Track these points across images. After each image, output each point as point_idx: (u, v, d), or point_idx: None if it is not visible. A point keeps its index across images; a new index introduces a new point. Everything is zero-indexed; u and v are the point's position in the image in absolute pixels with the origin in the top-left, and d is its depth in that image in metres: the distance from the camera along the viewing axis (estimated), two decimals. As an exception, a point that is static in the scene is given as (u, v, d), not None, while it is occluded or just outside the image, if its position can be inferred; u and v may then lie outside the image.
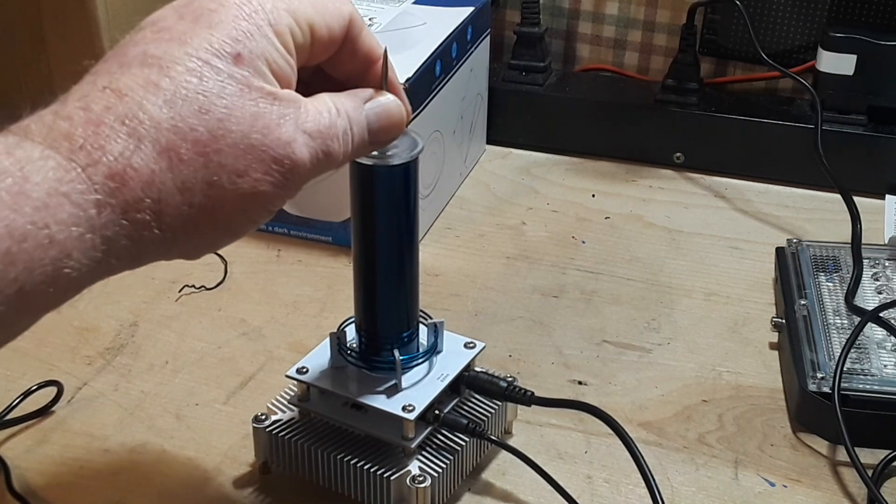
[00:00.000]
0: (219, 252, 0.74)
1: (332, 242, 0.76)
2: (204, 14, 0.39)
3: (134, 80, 0.37)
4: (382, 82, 0.45)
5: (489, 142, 0.90)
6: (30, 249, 0.33)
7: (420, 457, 0.51)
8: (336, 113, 0.41)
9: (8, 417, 0.59)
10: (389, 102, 0.44)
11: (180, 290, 0.71)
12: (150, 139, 0.36)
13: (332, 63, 0.44)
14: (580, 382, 0.63)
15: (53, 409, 0.60)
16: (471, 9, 0.79)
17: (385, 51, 0.45)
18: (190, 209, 0.37)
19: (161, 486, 0.55)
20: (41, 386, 0.61)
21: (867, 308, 0.63)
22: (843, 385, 0.57)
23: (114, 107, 0.36)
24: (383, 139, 0.44)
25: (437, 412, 0.52)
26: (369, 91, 0.44)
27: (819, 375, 0.58)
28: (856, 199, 0.75)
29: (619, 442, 0.51)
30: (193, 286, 0.71)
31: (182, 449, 0.58)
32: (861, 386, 0.58)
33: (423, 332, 0.54)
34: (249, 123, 0.38)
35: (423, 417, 0.51)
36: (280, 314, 0.69)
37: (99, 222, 0.35)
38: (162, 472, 0.56)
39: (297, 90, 0.41)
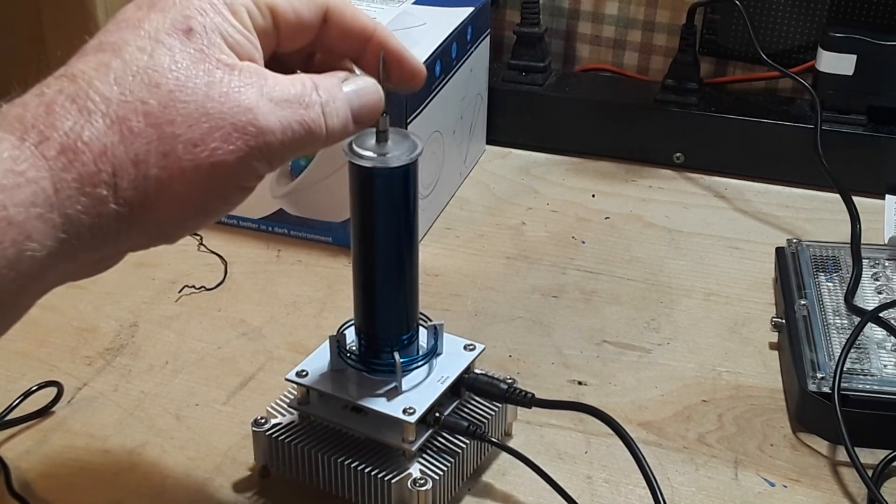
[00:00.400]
0: (219, 252, 0.74)
1: (332, 242, 0.76)
2: (159, 1, 0.39)
3: (87, 64, 0.38)
4: (380, 73, 0.44)
5: (489, 142, 0.90)
6: None
7: (421, 460, 0.51)
8: (312, 86, 0.41)
9: (8, 418, 0.59)
10: (367, 82, 0.44)
11: (180, 291, 0.71)
12: (100, 114, 0.36)
13: (323, 44, 0.45)
14: (580, 382, 0.63)
15: (53, 409, 0.60)
16: (471, 9, 0.79)
17: (382, 54, 0.45)
18: (146, 181, 0.37)
19: (161, 486, 0.55)
20: (41, 386, 0.61)
21: (867, 308, 0.63)
22: (843, 385, 0.57)
23: (65, 88, 0.37)
24: (365, 118, 0.44)
25: (437, 415, 0.52)
26: (344, 73, 0.43)
27: (819, 375, 0.58)
28: (855, 199, 0.75)
29: (619, 442, 0.51)
30: (193, 286, 0.71)
31: (182, 449, 0.58)
32: (861, 386, 0.58)
33: (422, 334, 0.53)
34: (204, 92, 0.38)
35: (424, 420, 0.51)
36: (280, 314, 0.69)
37: (57, 200, 0.35)
38: (162, 472, 0.56)
39: None
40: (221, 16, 0.39)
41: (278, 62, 0.43)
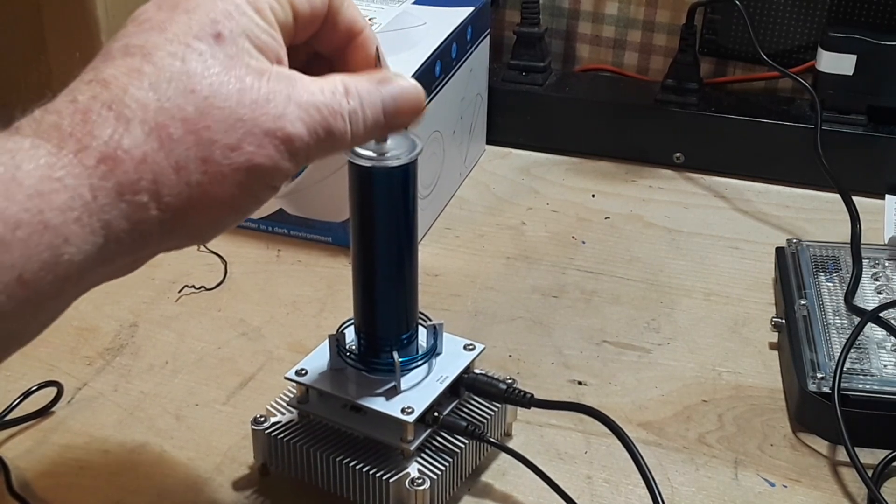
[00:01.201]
0: (219, 252, 0.74)
1: (332, 242, 0.76)
2: (181, 2, 0.39)
3: (117, 69, 0.37)
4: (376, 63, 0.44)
5: (489, 142, 0.90)
6: (24, 237, 0.34)
7: (419, 459, 0.51)
8: (343, 92, 0.41)
9: (8, 418, 0.59)
10: (408, 85, 0.43)
11: (180, 291, 0.71)
12: (138, 121, 0.36)
13: (315, 38, 0.44)
14: (580, 382, 0.63)
15: (53, 409, 0.60)
16: (471, 9, 0.79)
17: (378, 47, 0.45)
18: (188, 187, 0.37)
19: (161, 486, 0.55)
20: (41, 386, 0.61)
21: (867, 308, 0.63)
22: (843, 385, 0.57)
23: (99, 95, 0.37)
24: (401, 122, 0.44)
25: (436, 414, 0.52)
26: (385, 73, 0.43)
27: (819, 375, 0.58)
28: (855, 199, 0.75)
29: (619, 442, 0.51)
30: (193, 286, 0.71)
31: (182, 449, 0.58)
32: (861, 386, 0.58)
33: (422, 333, 0.53)
34: (236, 99, 0.38)
35: (423, 420, 0.51)
36: (280, 314, 0.69)
37: (96, 206, 0.35)
38: (162, 472, 0.56)
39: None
40: (247, 16, 0.39)
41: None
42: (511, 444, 0.57)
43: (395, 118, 0.43)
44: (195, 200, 0.37)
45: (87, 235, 0.35)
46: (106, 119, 0.36)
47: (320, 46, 0.45)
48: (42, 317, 0.37)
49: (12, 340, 0.37)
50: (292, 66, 0.41)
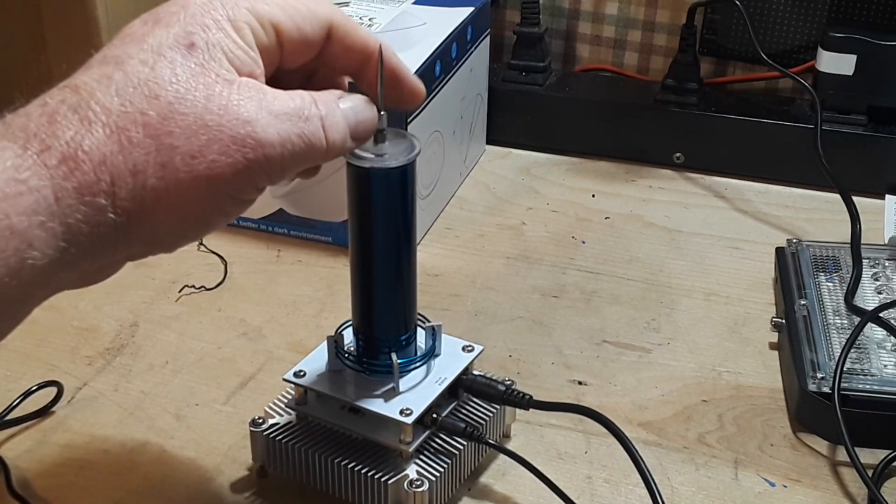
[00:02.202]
0: (219, 252, 0.74)
1: (332, 242, 0.76)
2: (164, 17, 0.40)
3: (90, 76, 0.38)
4: (378, 80, 0.45)
5: (489, 142, 0.90)
6: None
7: (417, 461, 0.51)
8: (311, 101, 0.41)
9: (8, 418, 0.59)
10: (361, 99, 0.44)
11: (180, 291, 0.71)
12: (101, 124, 0.37)
13: (325, 61, 0.45)
14: (580, 382, 0.63)
15: (53, 409, 0.60)
16: (471, 9, 0.79)
17: (380, 49, 0.45)
18: (143, 192, 0.37)
19: (161, 486, 0.55)
20: (41, 386, 0.61)
21: (867, 308, 0.63)
22: (843, 385, 0.57)
23: (67, 99, 0.37)
24: (362, 135, 0.44)
25: (434, 416, 0.51)
26: (340, 91, 0.44)
27: (819, 375, 0.58)
28: (855, 199, 0.75)
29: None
30: (193, 286, 0.71)
31: (182, 449, 0.58)
32: (861, 386, 0.58)
33: (420, 335, 0.53)
34: (203, 105, 0.38)
35: (421, 421, 0.51)
36: (280, 314, 0.69)
37: (58, 209, 0.36)
38: (162, 472, 0.56)
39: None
40: (224, 32, 0.40)
41: (279, 81, 0.43)
42: (511, 444, 0.57)
43: (357, 131, 0.43)
44: (149, 206, 0.38)
45: (50, 239, 0.36)
46: (70, 121, 0.37)
47: (340, 68, 0.46)
48: (4, 322, 0.37)
49: None
50: (292, 88, 0.42)
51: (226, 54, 0.40)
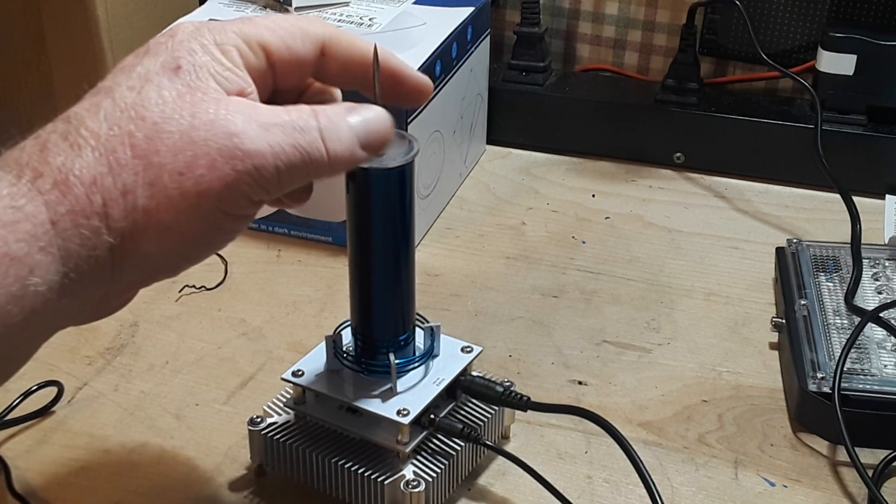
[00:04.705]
0: (219, 252, 0.74)
1: (332, 242, 0.76)
2: (153, 47, 0.41)
3: (81, 106, 0.39)
4: (374, 84, 0.45)
5: (489, 142, 0.90)
6: None
7: (415, 461, 0.51)
8: (311, 113, 0.41)
9: (8, 417, 0.59)
10: (375, 111, 0.44)
11: (180, 291, 0.71)
12: (90, 148, 0.38)
13: (325, 77, 0.45)
14: (580, 382, 0.63)
15: (53, 409, 0.60)
16: (471, 9, 0.79)
17: (375, 49, 0.45)
18: (135, 212, 0.38)
19: (161, 486, 0.55)
20: (41, 386, 0.61)
21: (867, 308, 0.63)
22: (843, 385, 0.57)
23: (58, 129, 0.38)
24: (375, 146, 0.44)
25: (432, 417, 0.51)
26: (350, 104, 0.44)
27: (819, 375, 0.58)
28: (855, 199, 0.75)
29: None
30: (193, 286, 0.71)
31: (182, 449, 0.58)
32: (861, 386, 0.58)
33: (419, 335, 0.53)
34: (189, 122, 0.38)
35: (419, 422, 0.51)
36: (280, 314, 0.69)
37: (55, 233, 0.36)
38: (162, 472, 0.56)
39: None
40: (211, 55, 0.40)
41: (280, 103, 0.43)
42: (511, 444, 0.57)
43: (368, 143, 0.43)
44: (142, 225, 0.38)
45: (50, 265, 0.36)
46: (61, 147, 0.38)
47: (342, 82, 0.46)
48: (10, 354, 0.37)
49: None
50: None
51: (213, 76, 0.40)
